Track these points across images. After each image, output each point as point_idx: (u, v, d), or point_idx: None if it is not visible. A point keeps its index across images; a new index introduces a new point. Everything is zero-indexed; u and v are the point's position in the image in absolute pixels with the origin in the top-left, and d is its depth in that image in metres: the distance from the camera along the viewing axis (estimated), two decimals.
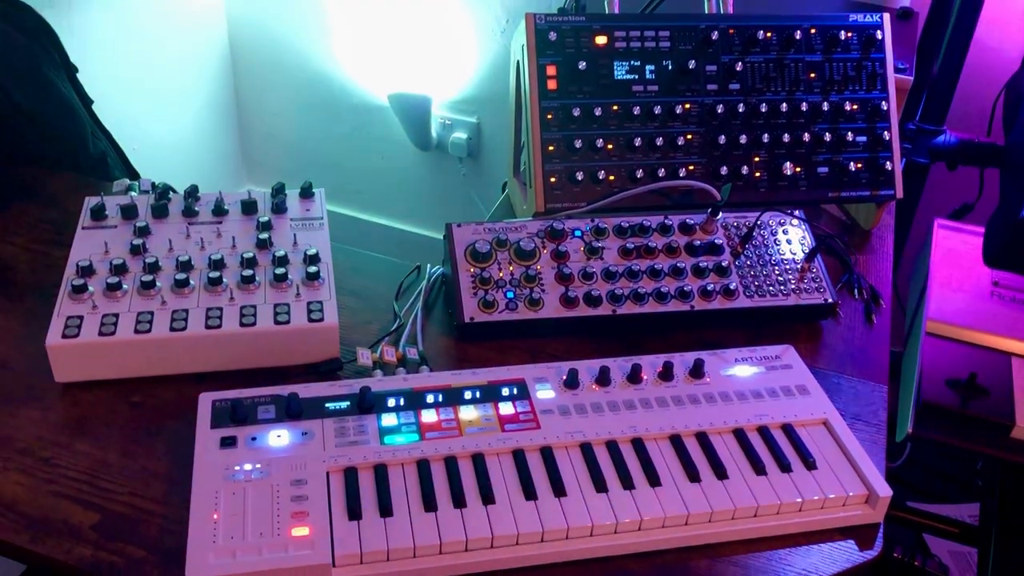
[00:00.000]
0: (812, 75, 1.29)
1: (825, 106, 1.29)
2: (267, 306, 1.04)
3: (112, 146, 1.47)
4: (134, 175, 1.56)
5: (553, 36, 1.23)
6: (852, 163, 1.30)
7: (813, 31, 1.29)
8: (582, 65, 1.23)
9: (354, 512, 0.85)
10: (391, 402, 0.96)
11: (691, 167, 1.26)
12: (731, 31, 1.27)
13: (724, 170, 1.27)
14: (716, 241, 1.20)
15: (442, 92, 2.43)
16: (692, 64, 1.26)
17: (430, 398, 0.97)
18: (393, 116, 2.49)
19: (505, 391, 0.98)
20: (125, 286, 1.05)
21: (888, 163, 1.30)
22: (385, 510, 0.86)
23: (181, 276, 1.06)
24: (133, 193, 1.21)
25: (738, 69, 1.27)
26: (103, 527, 0.86)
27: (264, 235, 1.14)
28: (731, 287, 1.16)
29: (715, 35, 1.26)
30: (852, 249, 1.35)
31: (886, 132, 1.30)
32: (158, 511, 0.88)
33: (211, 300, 1.05)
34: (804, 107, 1.29)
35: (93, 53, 2.05)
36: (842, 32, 1.29)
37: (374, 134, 2.58)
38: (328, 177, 2.67)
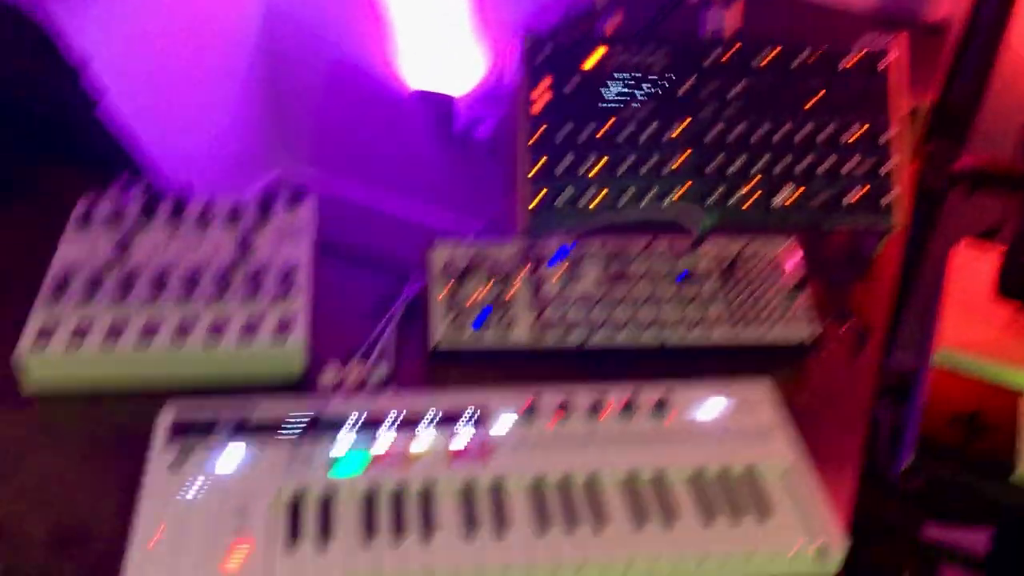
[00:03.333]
0: (813, 101, 1.25)
1: (824, 133, 1.25)
2: (238, 320, 1.05)
3: (120, 145, 1.49)
4: (139, 173, 1.58)
5: (546, 53, 1.21)
6: (850, 193, 1.26)
7: (816, 56, 1.25)
8: (573, 84, 1.21)
9: (295, 539, 0.86)
10: (345, 428, 0.96)
11: (681, 191, 1.24)
12: (729, 53, 1.24)
13: (715, 195, 1.24)
14: (700, 270, 1.18)
15: (464, 89, 2.42)
16: (687, 86, 1.23)
17: (386, 425, 0.97)
18: (420, 108, 2.49)
19: (463, 419, 0.98)
20: (99, 297, 1.06)
21: (887, 195, 1.26)
22: (326, 539, 0.86)
23: (154, 290, 1.07)
24: (126, 196, 1.22)
25: (735, 92, 1.24)
26: (55, 538, 0.88)
27: (245, 245, 1.15)
28: (712, 318, 1.14)
29: (712, 57, 1.23)
30: (849, 279, 1.31)
31: (887, 162, 1.26)
32: (106, 528, 0.89)
33: (183, 313, 1.06)
34: (802, 134, 1.25)
35: (115, 42, 2.08)
36: (847, 58, 1.25)
37: (402, 124, 2.59)
38: (355, 166, 2.68)
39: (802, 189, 1.25)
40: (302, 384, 1.06)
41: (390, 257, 1.26)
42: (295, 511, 0.89)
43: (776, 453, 0.99)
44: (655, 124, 1.23)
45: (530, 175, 1.21)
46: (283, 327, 1.05)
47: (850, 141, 1.26)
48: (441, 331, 1.10)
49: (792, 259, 1.21)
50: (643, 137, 1.23)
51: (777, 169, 1.25)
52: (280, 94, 2.72)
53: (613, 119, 1.23)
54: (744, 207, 1.24)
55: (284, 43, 2.62)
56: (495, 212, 1.46)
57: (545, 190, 1.21)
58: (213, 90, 2.52)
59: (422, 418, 0.98)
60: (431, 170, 2.63)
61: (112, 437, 0.99)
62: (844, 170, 1.25)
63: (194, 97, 2.43)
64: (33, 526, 0.89)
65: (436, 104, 2.42)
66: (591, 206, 1.21)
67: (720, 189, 1.24)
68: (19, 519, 0.90)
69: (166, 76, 2.30)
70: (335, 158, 2.74)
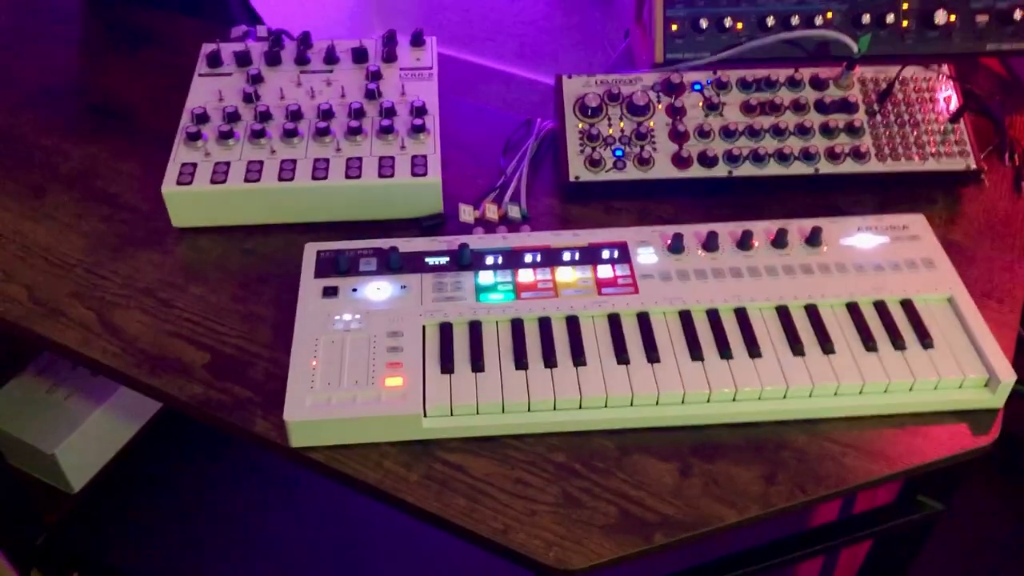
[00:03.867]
0: None
1: None
2: (372, 159, 1.04)
3: None
4: (256, 20, 1.56)
5: None
6: (1018, 10, 1.15)
7: None
8: None
9: (447, 366, 0.87)
10: (489, 260, 0.95)
11: (828, 14, 1.15)
12: None
13: (867, 18, 1.15)
14: (850, 98, 1.10)
15: None
16: None
17: (528, 258, 0.95)
18: None
19: (605, 254, 0.96)
20: (237, 134, 1.06)
21: None
22: (477, 365, 0.87)
23: (290, 126, 1.07)
24: (250, 40, 1.21)
25: None
26: (213, 367, 0.91)
27: (373, 85, 1.12)
28: (862, 149, 1.08)
29: None
30: (1009, 110, 1.21)
31: None
32: (264, 355, 0.92)
33: (319, 151, 1.05)
34: None
35: None
36: None
37: None
38: (459, 23, 2.61)
39: (963, 8, 1.15)
40: (438, 220, 1.05)
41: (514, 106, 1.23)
42: (447, 336, 0.89)
43: (934, 285, 0.94)
44: None
45: None
46: (419, 163, 1.03)
47: None
48: (578, 165, 1.07)
49: (949, 87, 1.12)
50: None
51: None
52: None
53: None
54: (899, 28, 1.15)
55: None
56: (621, 49, 1.40)
57: (682, 15, 1.14)
58: None
59: (564, 251, 0.96)
60: (538, 23, 2.54)
61: (260, 271, 1.00)
62: None
63: None
64: (192, 356, 0.92)
65: None
66: (733, 30, 1.14)
67: (874, 9, 1.14)
68: (178, 350, 0.92)
69: None
70: (438, 19, 2.67)
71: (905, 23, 1.16)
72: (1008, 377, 0.86)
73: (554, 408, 0.85)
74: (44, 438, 1.63)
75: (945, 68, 1.13)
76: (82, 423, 1.66)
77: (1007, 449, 1.62)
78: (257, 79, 1.14)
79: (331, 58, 1.17)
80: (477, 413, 0.85)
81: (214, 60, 1.17)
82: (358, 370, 0.86)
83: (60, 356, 0.97)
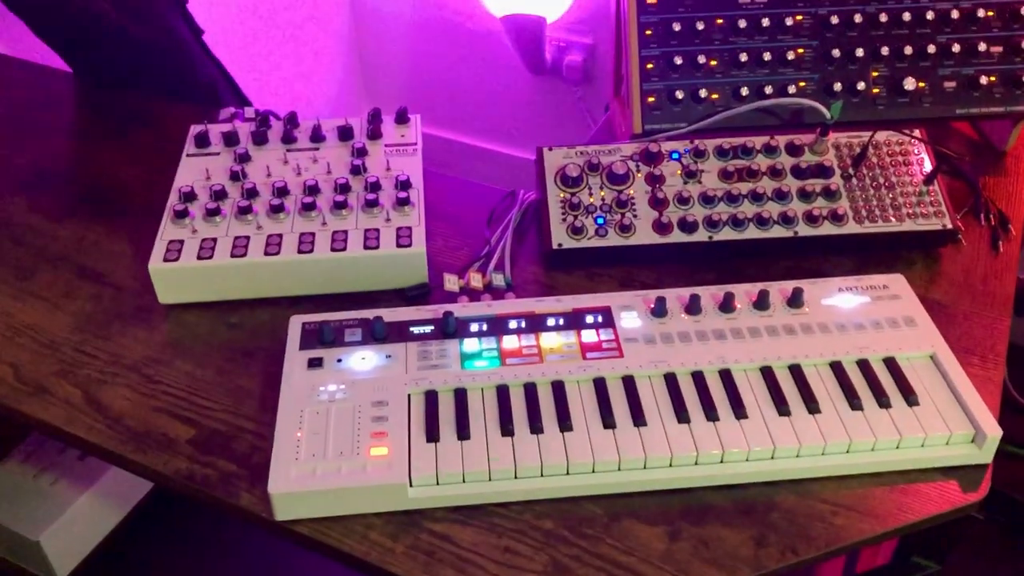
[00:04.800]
0: None
1: (954, 13, 1.18)
2: (358, 231, 1.06)
3: (223, 75, 1.51)
4: (244, 103, 1.59)
5: None
6: (984, 76, 1.18)
7: None
8: None
9: (432, 434, 0.86)
10: (474, 327, 0.96)
11: (801, 84, 1.19)
12: None
13: (838, 86, 1.19)
14: (825, 163, 1.13)
15: (556, 13, 2.37)
16: None
17: (512, 324, 0.96)
18: (507, 39, 2.45)
19: (589, 319, 0.97)
20: (224, 211, 1.08)
21: None
22: (463, 433, 0.86)
23: (277, 202, 1.08)
24: (238, 121, 1.24)
25: None
26: (198, 441, 0.90)
27: (358, 161, 1.14)
28: (840, 212, 1.09)
29: None
30: (981, 171, 1.24)
31: None
32: (249, 428, 0.92)
33: (305, 225, 1.07)
34: (930, 15, 1.18)
35: None
36: None
37: (488, 58, 2.56)
38: (443, 102, 2.67)
39: (931, 76, 1.18)
40: (423, 290, 1.06)
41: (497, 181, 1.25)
42: (432, 404, 0.89)
43: (916, 343, 0.95)
44: (771, 13, 1.18)
45: (645, 69, 1.17)
46: (404, 235, 1.05)
47: (984, 16, 1.18)
48: (561, 233, 1.08)
49: (921, 150, 1.15)
50: (762, 26, 1.17)
51: (905, 54, 1.18)
52: (366, 39, 2.71)
53: (727, 10, 1.18)
54: (871, 95, 1.18)
55: None
56: (602, 122, 1.43)
57: (659, 88, 1.17)
58: (302, 35, 2.53)
59: (548, 317, 0.97)
60: (522, 103, 2.60)
61: (246, 344, 1.01)
62: (978, 49, 1.18)
63: (284, 43, 2.44)
64: (177, 431, 0.91)
65: (525, 29, 2.37)
66: (709, 100, 1.17)
67: (845, 78, 1.18)
68: (164, 425, 0.92)
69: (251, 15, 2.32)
70: (425, 99, 2.73)
71: (876, 90, 1.19)
72: (994, 432, 0.86)
73: (541, 474, 0.85)
74: (28, 525, 1.61)
75: (917, 132, 1.16)
76: (67, 509, 1.64)
77: (1008, 514, 1.61)
78: (244, 158, 1.16)
79: (317, 136, 1.20)
80: (463, 481, 0.84)
81: (202, 140, 1.19)
82: (343, 440, 0.85)
83: (45, 435, 0.96)
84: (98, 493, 1.69)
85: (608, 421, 0.87)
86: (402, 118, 1.24)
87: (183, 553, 1.82)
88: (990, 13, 1.18)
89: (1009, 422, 0.88)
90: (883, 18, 1.18)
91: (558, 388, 0.90)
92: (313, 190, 1.10)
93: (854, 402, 0.89)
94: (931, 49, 1.18)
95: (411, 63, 2.69)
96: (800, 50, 1.18)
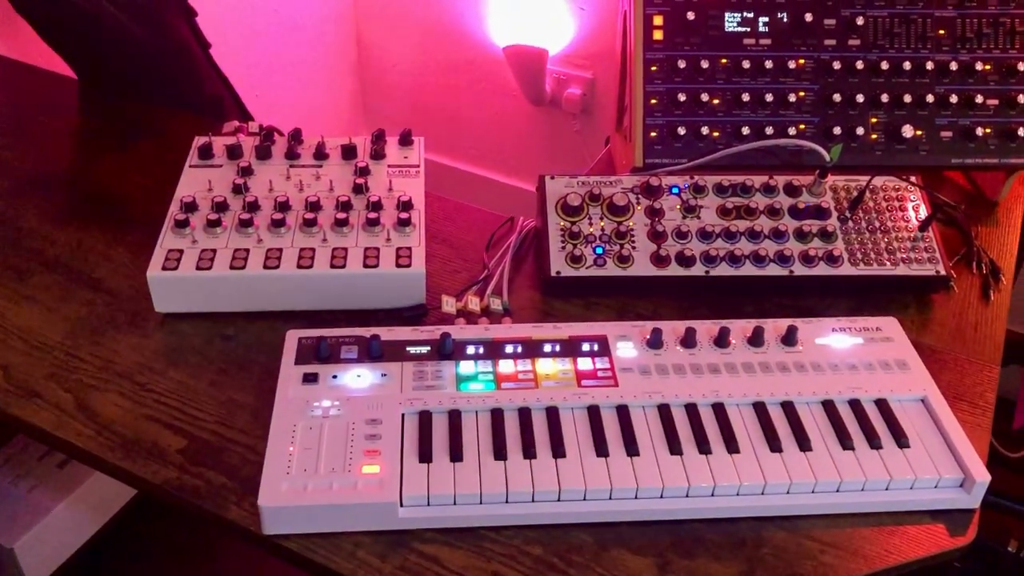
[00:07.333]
0: (941, 32, 1.21)
1: (953, 65, 1.20)
2: (358, 249, 1.06)
3: (228, 89, 1.52)
4: (248, 118, 1.60)
5: None
6: (980, 127, 1.21)
7: None
8: (691, 16, 1.19)
9: (425, 455, 0.86)
10: (470, 350, 0.96)
11: (801, 126, 1.21)
12: None
13: (837, 130, 1.20)
14: (823, 204, 1.14)
15: (557, 46, 2.40)
16: (809, 17, 1.19)
17: (509, 348, 0.96)
18: (508, 70, 2.48)
19: (585, 347, 0.97)
20: (225, 223, 1.08)
21: (1021, 128, 1.20)
22: (456, 455, 0.86)
23: (278, 216, 1.08)
24: (242, 135, 1.25)
25: (859, 24, 1.20)
26: (189, 452, 0.90)
27: (361, 180, 1.15)
28: (835, 253, 1.11)
29: None
30: (974, 220, 1.26)
31: (1022, 95, 1.20)
32: (240, 440, 0.91)
33: (305, 241, 1.07)
34: (930, 66, 1.21)
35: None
36: None
37: (489, 88, 2.58)
38: (443, 129, 2.69)
39: (928, 124, 1.20)
40: (420, 311, 1.06)
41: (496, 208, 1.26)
42: (426, 424, 0.89)
43: (908, 386, 0.96)
44: (775, 56, 1.20)
45: (649, 104, 1.18)
46: (403, 255, 1.05)
47: (982, 70, 1.20)
48: (560, 261, 1.09)
49: (917, 197, 1.17)
50: (765, 68, 1.19)
51: (904, 102, 1.20)
52: (369, 64, 2.73)
53: (732, 51, 1.20)
54: (869, 141, 1.20)
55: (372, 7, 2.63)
56: (602, 154, 1.44)
57: (661, 123, 1.19)
58: (304, 57, 2.55)
59: (545, 343, 0.97)
60: (520, 133, 2.62)
61: (241, 357, 1.00)
62: (975, 101, 1.20)
63: (283, 63, 2.46)
64: (168, 441, 0.91)
65: (526, 61, 2.40)
66: (710, 138, 1.19)
67: (844, 122, 1.20)
68: (154, 434, 0.91)
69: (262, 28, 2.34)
70: (424, 124, 2.75)
71: (874, 136, 1.21)
72: (982, 477, 0.87)
73: (532, 500, 0.85)
74: (2, 532, 1.58)
75: (914, 178, 1.17)
76: (44, 517, 1.62)
77: (986, 563, 1.61)
78: (247, 171, 1.17)
79: (321, 154, 1.21)
80: (454, 503, 0.84)
81: (205, 152, 1.19)
82: (335, 457, 0.85)
83: (34, 439, 0.95)
84: (75, 502, 1.67)
85: (601, 449, 0.87)
86: (406, 140, 1.25)
87: (159, 564, 1.80)
88: (987, 67, 1.21)
89: (989, 472, 0.89)
90: (884, 66, 1.20)
91: (552, 414, 0.90)
92: (315, 206, 1.11)
93: (845, 442, 0.90)
94: (930, 98, 1.21)
95: (413, 89, 2.72)
96: (801, 93, 1.20)
